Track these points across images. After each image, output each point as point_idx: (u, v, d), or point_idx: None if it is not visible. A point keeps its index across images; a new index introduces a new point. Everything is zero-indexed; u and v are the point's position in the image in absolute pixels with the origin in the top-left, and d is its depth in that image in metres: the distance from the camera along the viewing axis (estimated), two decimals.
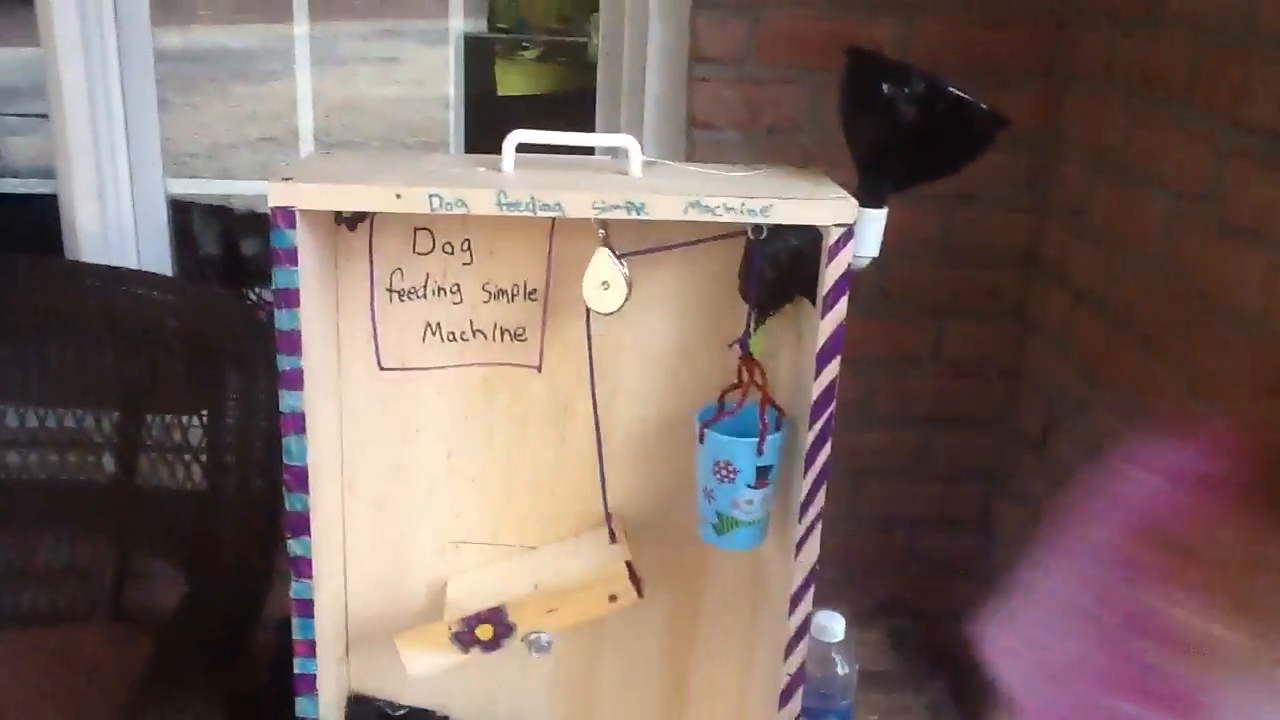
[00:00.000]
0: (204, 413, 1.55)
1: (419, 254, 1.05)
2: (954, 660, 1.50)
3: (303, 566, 1.01)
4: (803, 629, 1.06)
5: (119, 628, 1.57)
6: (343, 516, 1.12)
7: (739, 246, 1.04)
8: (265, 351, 1.54)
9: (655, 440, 1.14)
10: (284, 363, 0.94)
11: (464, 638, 1.05)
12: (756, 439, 1.02)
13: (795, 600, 1.05)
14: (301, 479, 0.98)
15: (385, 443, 1.11)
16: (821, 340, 0.98)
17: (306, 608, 1.01)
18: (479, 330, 1.08)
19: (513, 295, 1.08)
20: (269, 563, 1.51)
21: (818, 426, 1.00)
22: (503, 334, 1.09)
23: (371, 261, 1.05)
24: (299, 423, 0.96)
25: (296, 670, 1.04)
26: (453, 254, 1.06)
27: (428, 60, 8.11)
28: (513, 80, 4.23)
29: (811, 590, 1.05)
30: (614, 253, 1.00)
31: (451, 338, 1.08)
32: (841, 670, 1.13)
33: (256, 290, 2.08)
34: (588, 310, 1.04)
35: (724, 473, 1.03)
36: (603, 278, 1.00)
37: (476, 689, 1.20)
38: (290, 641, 1.49)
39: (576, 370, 1.10)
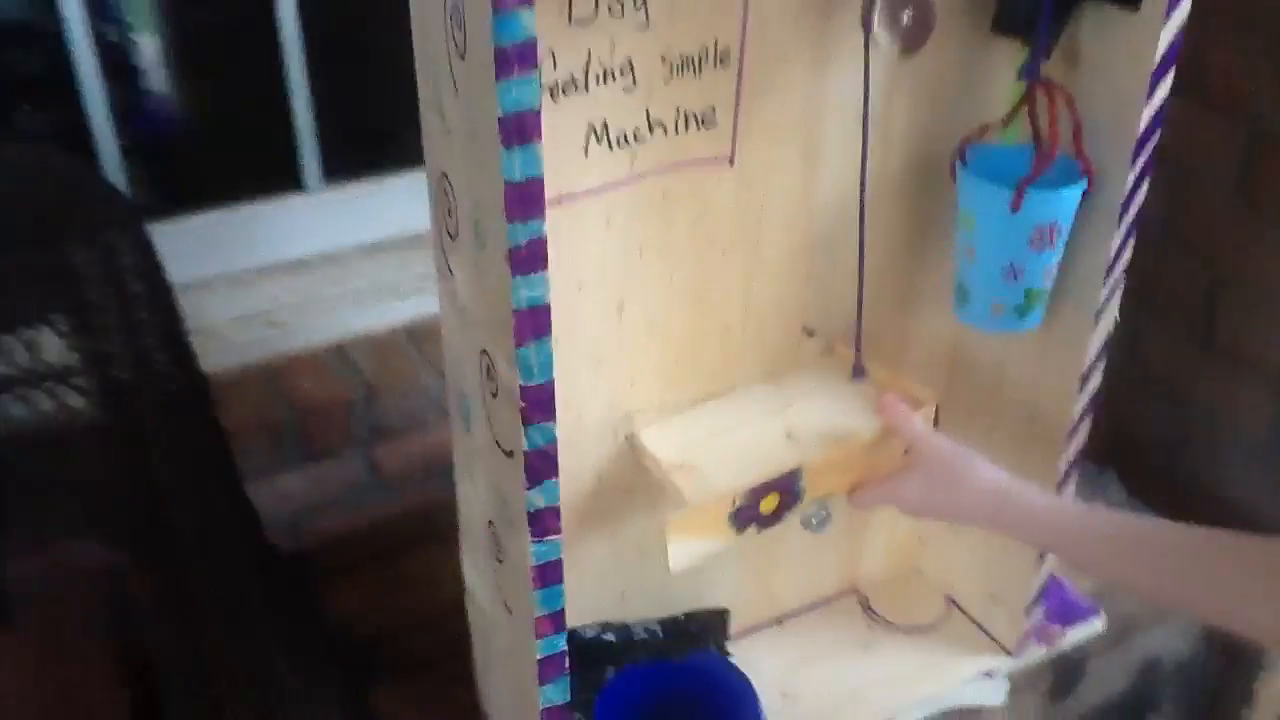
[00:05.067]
0: (54, 319, 1.07)
1: (577, 23, 0.69)
2: None
3: (549, 520, 0.68)
4: (1088, 409, 0.89)
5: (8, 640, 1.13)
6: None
7: None
8: (120, 214, 1.08)
9: (866, 225, 0.87)
10: (518, 233, 0.58)
11: (744, 515, 0.79)
12: (1078, 188, 0.78)
13: (1086, 377, 0.87)
14: (547, 403, 0.64)
15: None
16: (1160, 52, 0.74)
17: (555, 572, 0.69)
18: (657, 122, 0.75)
19: (699, 65, 0.74)
20: (236, 488, 1.12)
21: (1139, 165, 0.78)
22: (687, 121, 0.76)
23: None
24: (543, 322, 0.61)
25: (541, 653, 0.73)
26: (621, 15, 0.70)
27: None
28: None
29: (1103, 365, 0.87)
30: None
31: (622, 141, 0.74)
32: None
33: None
34: (865, 46, 0.74)
35: (1045, 239, 0.79)
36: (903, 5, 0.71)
37: (649, 583, 0.95)
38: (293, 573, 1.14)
39: (779, 155, 0.81)
